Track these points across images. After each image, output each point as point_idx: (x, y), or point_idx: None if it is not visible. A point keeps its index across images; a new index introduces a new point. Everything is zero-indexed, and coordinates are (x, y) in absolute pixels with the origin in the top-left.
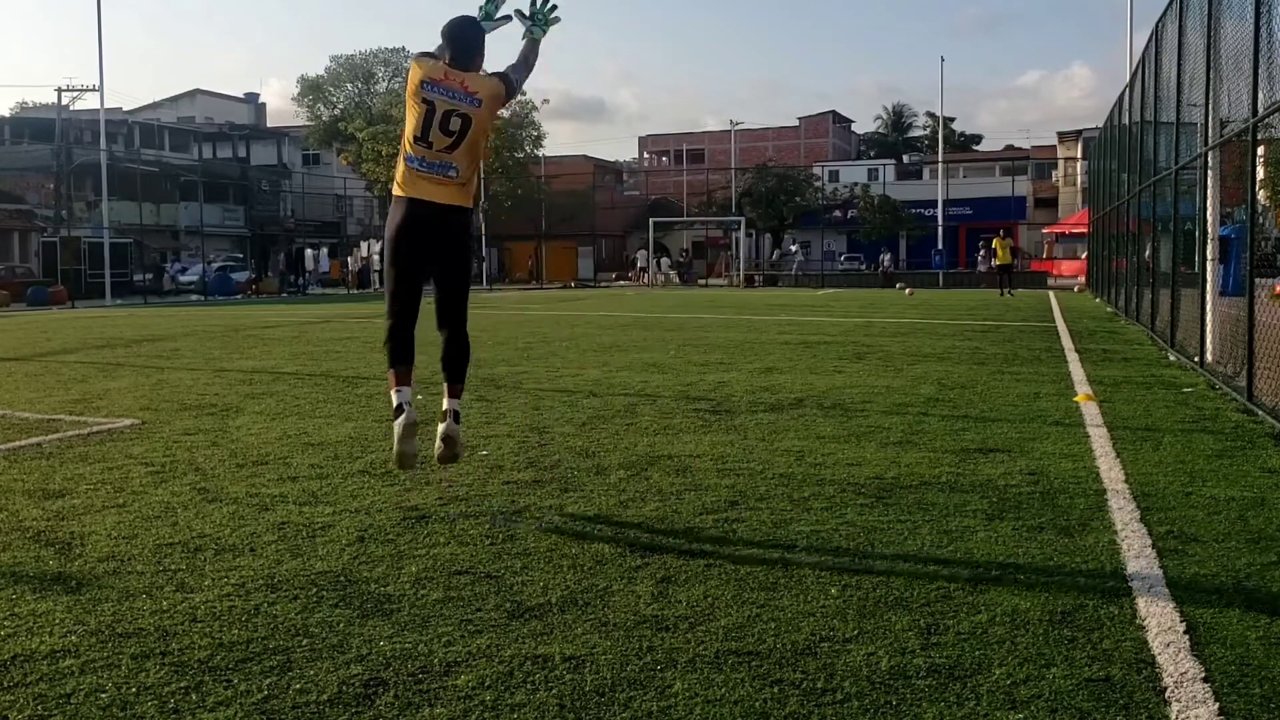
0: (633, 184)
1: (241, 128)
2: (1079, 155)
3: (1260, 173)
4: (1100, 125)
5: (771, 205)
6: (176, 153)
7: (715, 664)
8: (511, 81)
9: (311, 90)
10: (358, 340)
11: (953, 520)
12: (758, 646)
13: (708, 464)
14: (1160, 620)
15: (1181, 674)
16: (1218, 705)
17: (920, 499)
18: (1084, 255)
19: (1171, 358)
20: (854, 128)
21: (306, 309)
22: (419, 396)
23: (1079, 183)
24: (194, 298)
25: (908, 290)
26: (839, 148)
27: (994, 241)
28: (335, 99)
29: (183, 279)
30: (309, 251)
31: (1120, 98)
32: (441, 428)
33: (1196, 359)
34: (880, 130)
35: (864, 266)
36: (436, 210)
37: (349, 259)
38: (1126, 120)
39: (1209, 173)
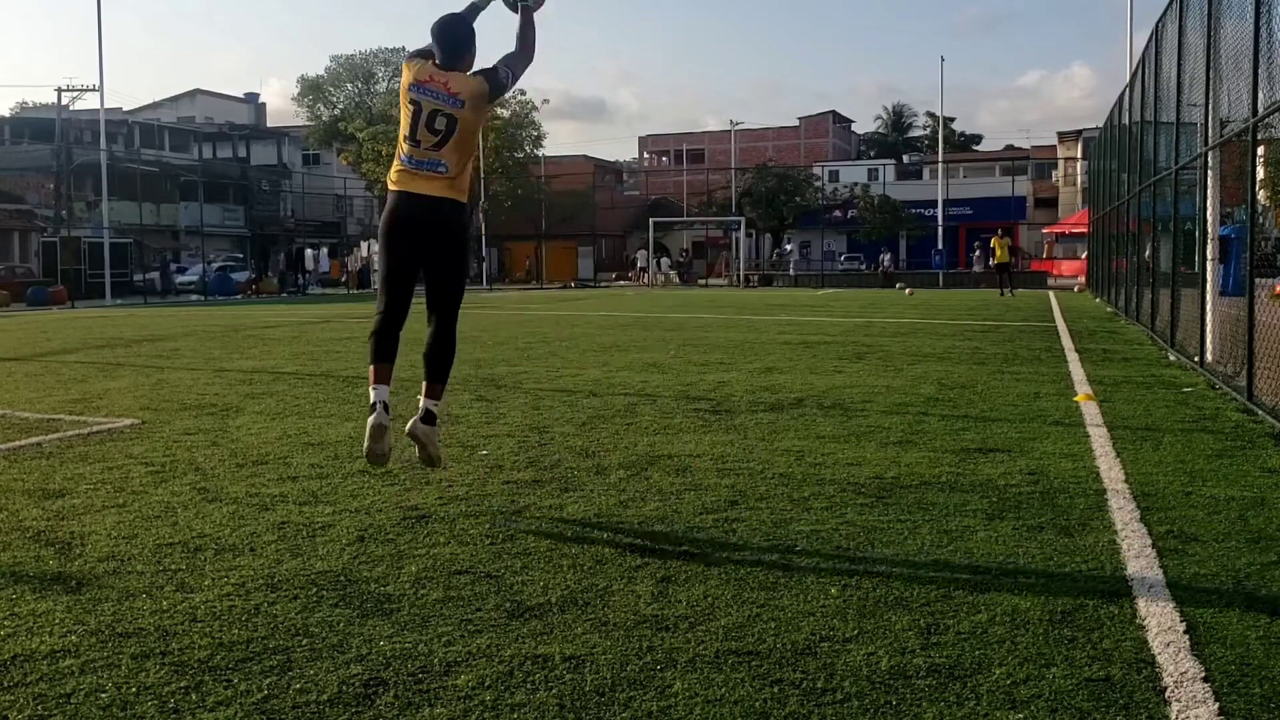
0: (633, 184)
1: (241, 128)
2: (1079, 155)
3: (1260, 173)
4: (1100, 125)
5: (771, 205)
6: (176, 153)
7: (715, 664)
8: (499, 78)
9: (311, 90)
10: (358, 340)
11: (953, 520)
12: (758, 646)
13: (708, 464)
14: (1160, 620)
15: (1181, 674)
16: (1218, 705)
17: (920, 499)
18: (1084, 255)
19: (1171, 358)
20: (854, 128)
21: (306, 309)
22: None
23: (1079, 183)
24: (194, 298)
25: (908, 290)
26: (839, 148)
27: (992, 240)
28: (335, 99)
29: (181, 279)
30: (309, 251)
31: (1120, 98)
32: (409, 425)
33: (1196, 359)
34: (880, 130)
35: (864, 266)
36: (428, 201)
37: (349, 259)
38: (1126, 120)
39: (1209, 173)
